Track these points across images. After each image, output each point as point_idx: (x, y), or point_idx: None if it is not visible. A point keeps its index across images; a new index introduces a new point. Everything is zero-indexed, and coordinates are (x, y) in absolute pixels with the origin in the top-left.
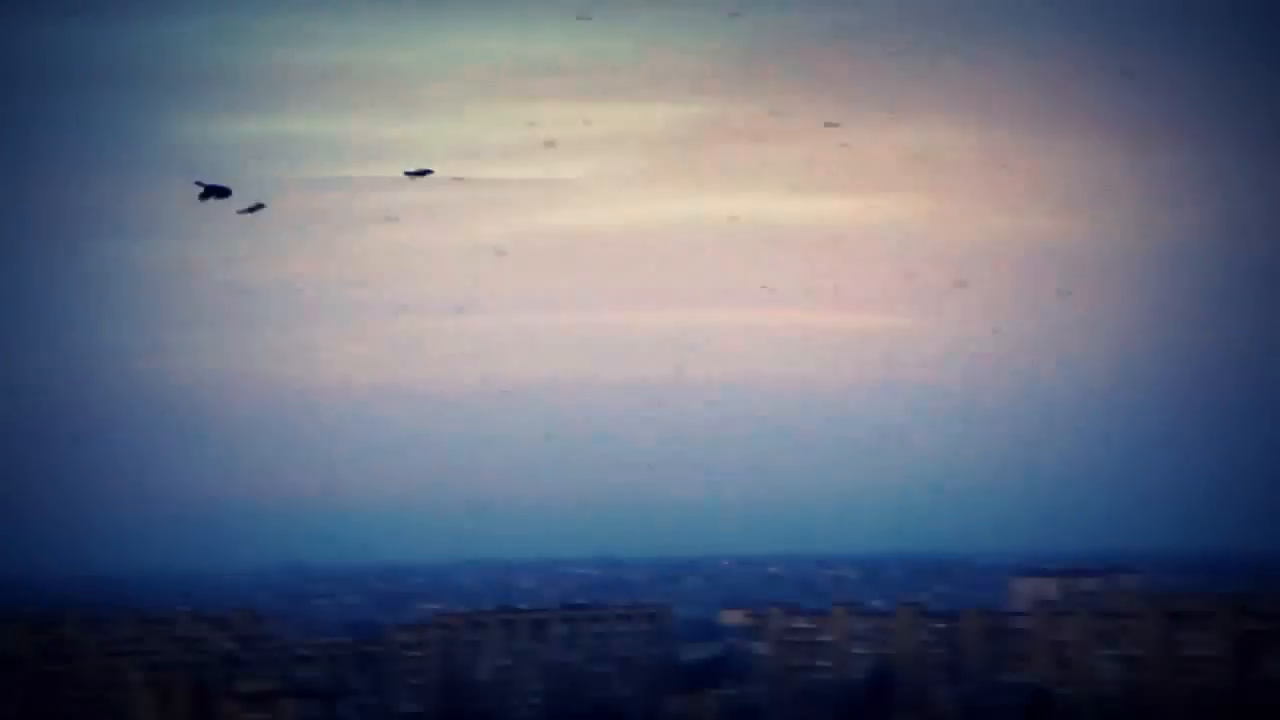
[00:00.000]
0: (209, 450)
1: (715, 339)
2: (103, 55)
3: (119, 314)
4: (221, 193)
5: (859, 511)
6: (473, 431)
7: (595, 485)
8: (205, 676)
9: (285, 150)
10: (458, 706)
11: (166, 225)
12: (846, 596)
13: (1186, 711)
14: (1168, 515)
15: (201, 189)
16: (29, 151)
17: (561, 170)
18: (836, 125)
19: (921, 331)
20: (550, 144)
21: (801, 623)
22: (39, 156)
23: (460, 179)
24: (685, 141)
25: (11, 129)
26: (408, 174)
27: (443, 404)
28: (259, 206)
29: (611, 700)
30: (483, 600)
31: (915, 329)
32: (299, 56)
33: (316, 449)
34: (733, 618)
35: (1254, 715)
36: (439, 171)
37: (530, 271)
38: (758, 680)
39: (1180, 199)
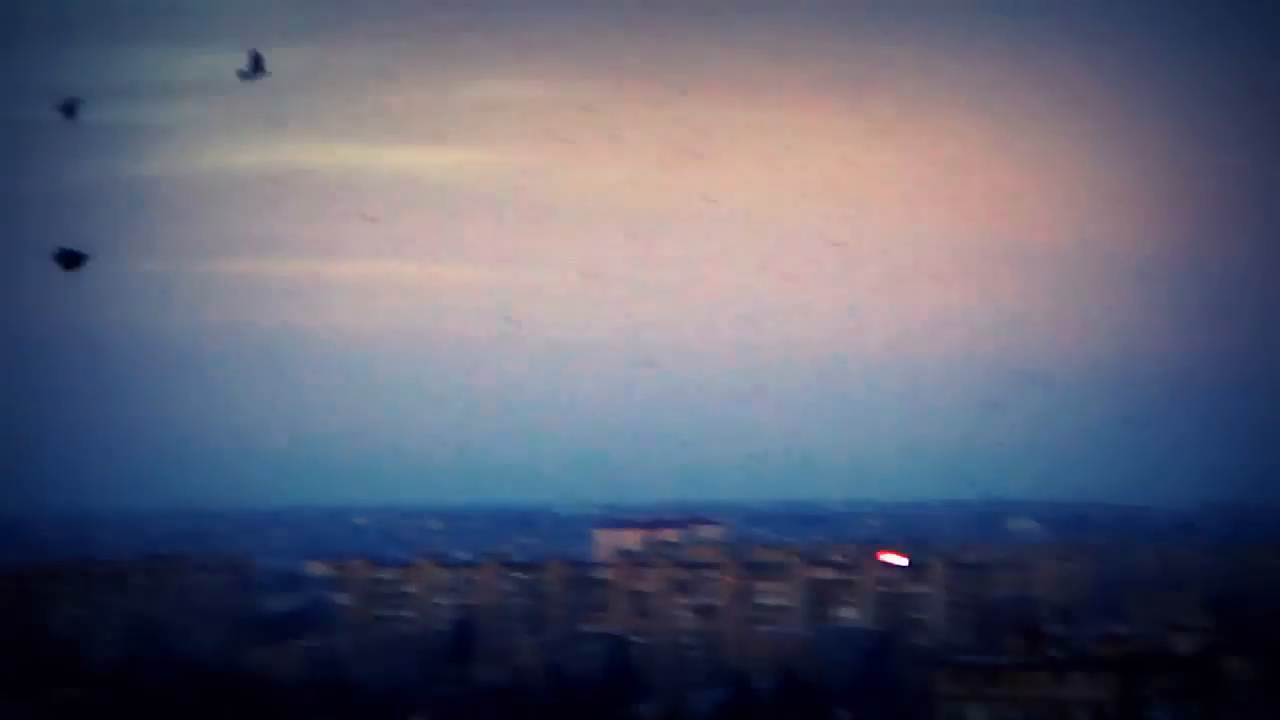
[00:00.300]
0: None
1: (304, 290)
2: None
3: None
4: (73, 259)
5: (443, 463)
6: (41, 380)
7: (176, 434)
8: None
9: None
10: (32, 660)
11: None
12: (431, 548)
13: (759, 658)
14: (747, 469)
15: (59, 253)
16: None
17: (144, 117)
18: (454, 77)
19: (513, 280)
20: (136, 89)
21: (385, 574)
22: None
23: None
24: (277, 89)
25: None
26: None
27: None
28: (72, 106)
29: (193, 652)
30: (60, 551)
31: (508, 279)
32: None
33: None
34: (317, 569)
35: (817, 659)
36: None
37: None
38: (341, 631)
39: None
